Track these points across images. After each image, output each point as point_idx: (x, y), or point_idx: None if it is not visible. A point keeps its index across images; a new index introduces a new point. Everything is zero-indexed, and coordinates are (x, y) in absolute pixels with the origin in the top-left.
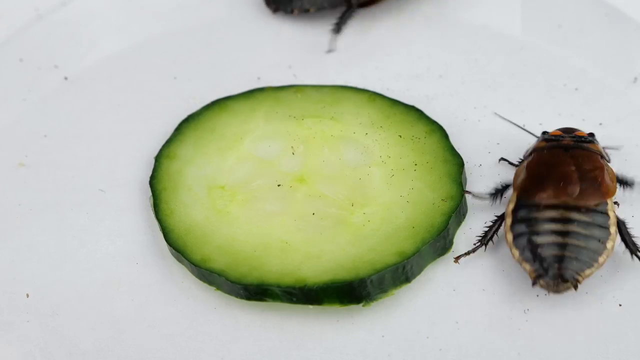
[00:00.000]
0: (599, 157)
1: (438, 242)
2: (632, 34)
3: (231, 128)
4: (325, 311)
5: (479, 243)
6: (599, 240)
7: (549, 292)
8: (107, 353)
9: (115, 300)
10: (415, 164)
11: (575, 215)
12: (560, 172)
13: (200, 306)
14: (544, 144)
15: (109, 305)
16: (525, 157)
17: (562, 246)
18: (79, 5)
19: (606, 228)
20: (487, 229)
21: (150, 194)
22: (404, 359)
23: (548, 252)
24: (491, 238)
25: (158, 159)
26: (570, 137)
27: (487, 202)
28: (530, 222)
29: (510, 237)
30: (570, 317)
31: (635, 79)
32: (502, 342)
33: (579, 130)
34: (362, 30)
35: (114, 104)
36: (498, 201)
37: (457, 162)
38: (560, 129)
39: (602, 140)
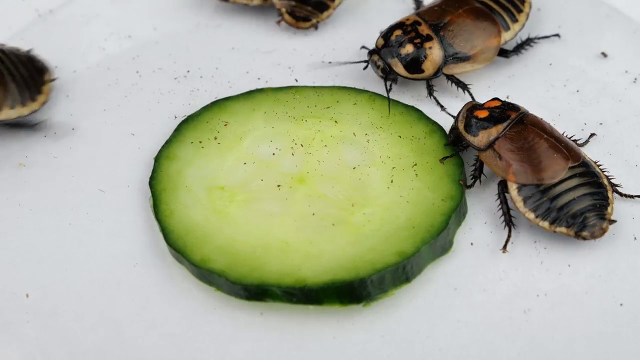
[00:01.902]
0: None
1: (438, 242)
2: (632, 34)
3: (231, 128)
4: (325, 311)
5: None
6: (599, 180)
7: (594, 239)
8: (107, 353)
9: (115, 300)
10: (415, 164)
11: (572, 171)
12: (544, 145)
13: (200, 306)
14: (499, 128)
15: (109, 305)
16: (484, 147)
17: (581, 197)
18: (79, 5)
19: (595, 170)
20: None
21: (150, 194)
22: (403, 359)
23: (573, 209)
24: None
25: (158, 159)
26: (504, 109)
27: (485, 199)
28: (539, 194)
29: (532, 215)
30: (570, 317)
31: (635, 79)
32: (502, 342)
33: (485, 102)
34: (362, 30)
35: (114, 104)
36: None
37: (457, 162)
38: (475, 108)
39: (602, 140)
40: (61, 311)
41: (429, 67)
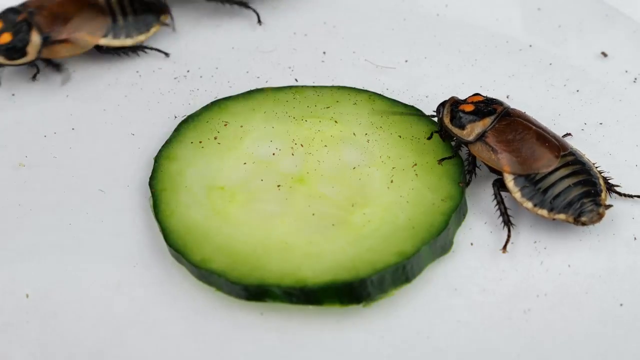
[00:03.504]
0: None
1: (438, 242)
2: (632, 34)
3: (231, 128)
4: (325, 311)
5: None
6: (589, 168)
7: (593, 224)
8: (107, 353)
9: (115, 301)
10: (415, 164)
11: (563, 160)
12: (534, 135)
13: (200, 306)
14: (487, 121)
15: (109, 305)
16: (473, 140)
17: (576, 184)
18: None
19: (583, 159)
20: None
21: (150, 194)
22: (403, 359)
23: (570, 196)
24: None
25: (158, 159)
26: (488, 103)
27: (484, 199)
28: (534, 184)
29: (529, 204)
30: (570, 317)
31: (635, 79)
32: (502, 342)
33: (467, 97)
34: (361, 30)
35: (114, 104)
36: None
37: (457, 162)
38: (459, 103)
39: (602, 140)
40: (61, 311)
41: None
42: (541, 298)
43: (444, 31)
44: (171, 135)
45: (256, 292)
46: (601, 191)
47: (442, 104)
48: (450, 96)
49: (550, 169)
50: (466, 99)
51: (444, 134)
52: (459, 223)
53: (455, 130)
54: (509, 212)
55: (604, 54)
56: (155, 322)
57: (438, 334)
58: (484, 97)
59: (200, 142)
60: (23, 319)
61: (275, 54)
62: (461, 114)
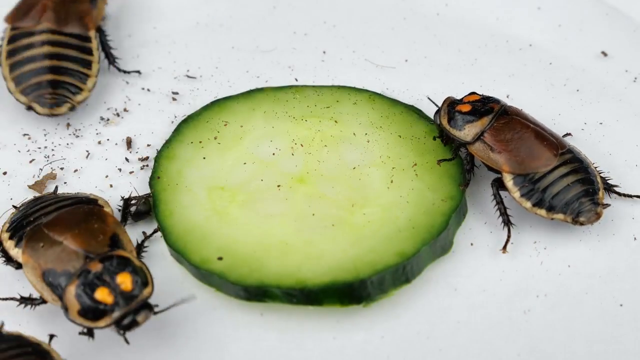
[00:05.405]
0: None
1: (438, 243)
2: (632, 34)
3: (231, 128)
4: (325, 311)
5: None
6: (587, 166)
7: (591, 224)
8: (107, 353)
9: None
10: (415, 164)
11: (562, 158)
12: (533, 134)
13: (200, 306)
14: (485, 121)
15: None
16: (471, 140)
17: (575, 183)
18: None
19: (580, 156)
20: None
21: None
22: (403, 359)
23: (569, 195)
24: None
25: (157, 159)
26: (485, 102)
27: (485, 199)
28: (533, 184)
29: (528, 204)
30: (570, 317)
31: (635, 79)
32: (502, 342)
33: (463, 97)
34: (361, 30)
35: (115, 103)
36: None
37: (457, 162)
38: (456, 103)
39: (602, 140)
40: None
41: None
42: (541, 298)
43: (444, 31)
44: (171, 135)
45: (256, 292)
46: (599, 189)
47: (438, 110)
48: (447, 96)
49: (549, 168)
50: (462, 98)
51: (445, 139)
52: (459, 223)
53: (454, 132)
54: (508, 212)
55: (604, 54)
56: (155, 323)
57: (438, 334)
58: (480, 95)
59: (200, 142)
60: (23, 319)
61: (275, 54)
62: (458, 115)
